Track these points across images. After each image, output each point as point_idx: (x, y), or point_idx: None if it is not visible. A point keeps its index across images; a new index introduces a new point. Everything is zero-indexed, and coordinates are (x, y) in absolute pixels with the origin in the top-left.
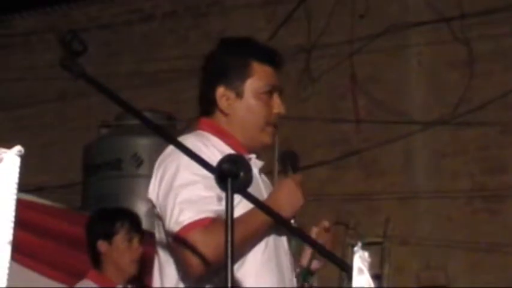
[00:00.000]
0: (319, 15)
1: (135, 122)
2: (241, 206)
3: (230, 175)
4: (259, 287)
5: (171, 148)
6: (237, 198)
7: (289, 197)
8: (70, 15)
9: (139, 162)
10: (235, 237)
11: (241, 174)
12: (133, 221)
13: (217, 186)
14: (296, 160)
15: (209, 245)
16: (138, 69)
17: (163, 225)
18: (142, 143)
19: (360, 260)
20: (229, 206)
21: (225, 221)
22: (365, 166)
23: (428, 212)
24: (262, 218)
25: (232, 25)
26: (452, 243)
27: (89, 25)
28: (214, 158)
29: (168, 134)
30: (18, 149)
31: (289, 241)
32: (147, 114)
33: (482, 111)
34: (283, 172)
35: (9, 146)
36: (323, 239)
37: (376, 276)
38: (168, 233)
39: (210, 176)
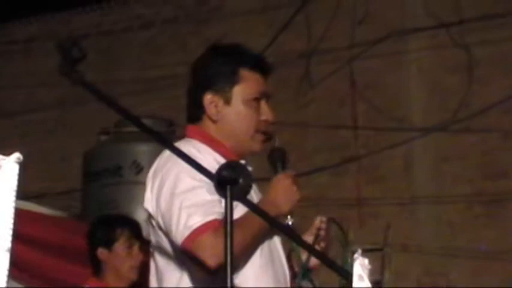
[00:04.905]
0: (318, 20)
1: (134, 128)
2: (241, 208)
3: (230, 182)
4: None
5: (165, 157)
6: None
7: (285, 193)
8: (70, 22)
9: (139, 169)
10: (238, 240)
11: (241, 181)
12: (134, 228)
13: (216, 192)
14: (285, 157)
15: (220, 246)
16: (138, 76)
17: (170, 232)
18: (142, 150)
19: (360, 267)
20: (229, 212)
21: (224, 227)
22: (365, 172)
23: (429, 217)
24: (260, 221)
25: (232, 31)
26: (453, 249)
27: (89, 32)
28: (206, 164)
29: (167, 140)
30: (16, 156)
31: (281, 243)
32: (147, 121)
33: (482, 117)
34: (274, 170)
35: (8, 153)
36: (322, 231)
37: (377, 282)
38: (174, 239)
39: (209, 181)
